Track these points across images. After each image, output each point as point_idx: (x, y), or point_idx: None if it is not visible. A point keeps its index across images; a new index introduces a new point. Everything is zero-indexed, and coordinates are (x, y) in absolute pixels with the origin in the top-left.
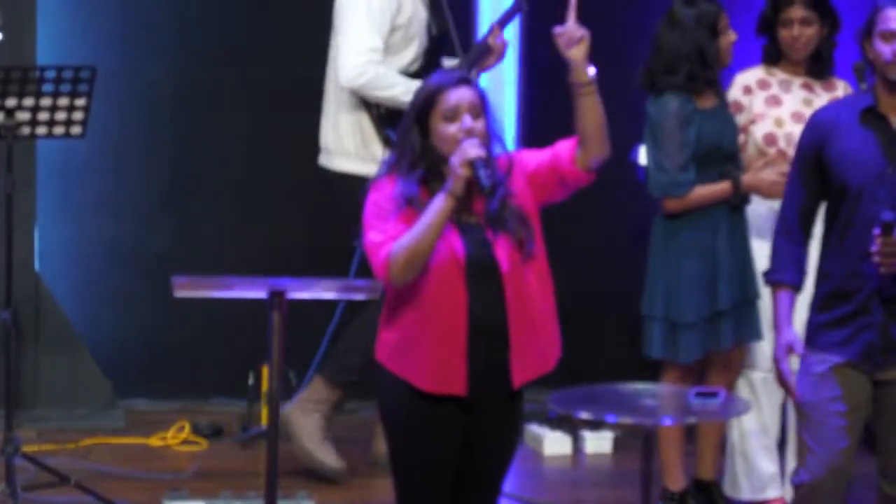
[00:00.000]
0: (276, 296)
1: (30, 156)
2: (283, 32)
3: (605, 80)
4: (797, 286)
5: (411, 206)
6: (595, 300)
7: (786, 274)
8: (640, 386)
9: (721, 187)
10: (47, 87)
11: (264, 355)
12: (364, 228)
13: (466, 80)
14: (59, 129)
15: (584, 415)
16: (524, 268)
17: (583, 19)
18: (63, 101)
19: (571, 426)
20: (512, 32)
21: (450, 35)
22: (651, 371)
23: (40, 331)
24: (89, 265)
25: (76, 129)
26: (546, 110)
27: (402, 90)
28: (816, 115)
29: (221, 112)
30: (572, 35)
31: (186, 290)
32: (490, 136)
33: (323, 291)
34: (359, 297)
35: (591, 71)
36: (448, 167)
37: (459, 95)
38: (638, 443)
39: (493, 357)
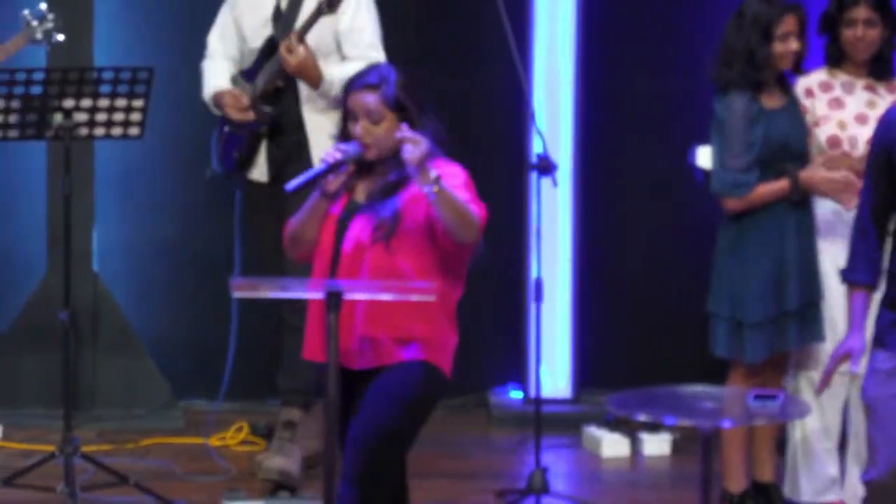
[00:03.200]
0: (333, 297)
1: (88, 157)
2: None
3: (666, 79)
4: (872, 286)
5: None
6: (660, 300)
7: (860, 274)
8: (699, 388)
9: (780, 185)
10: (105, 88)
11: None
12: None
13: (373, 86)
14: (116, 130)
15: (643, 417)
16: (375, 252)
17: (650, 18)
18: (121, 102)
19: (629, 428)
20: (568, 33)
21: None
22: (718, 372)
23: (99, 331)
24: (148, 265)
25: (134, 130)
26: (603, 109)
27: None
28: (888, 114)
29: None
30: (413, 146)
31: (244, 291)
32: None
33: (380, 293)
34: (415, 297)
35: (433, 172)
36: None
37: (358, 101)
38: (696, 445)
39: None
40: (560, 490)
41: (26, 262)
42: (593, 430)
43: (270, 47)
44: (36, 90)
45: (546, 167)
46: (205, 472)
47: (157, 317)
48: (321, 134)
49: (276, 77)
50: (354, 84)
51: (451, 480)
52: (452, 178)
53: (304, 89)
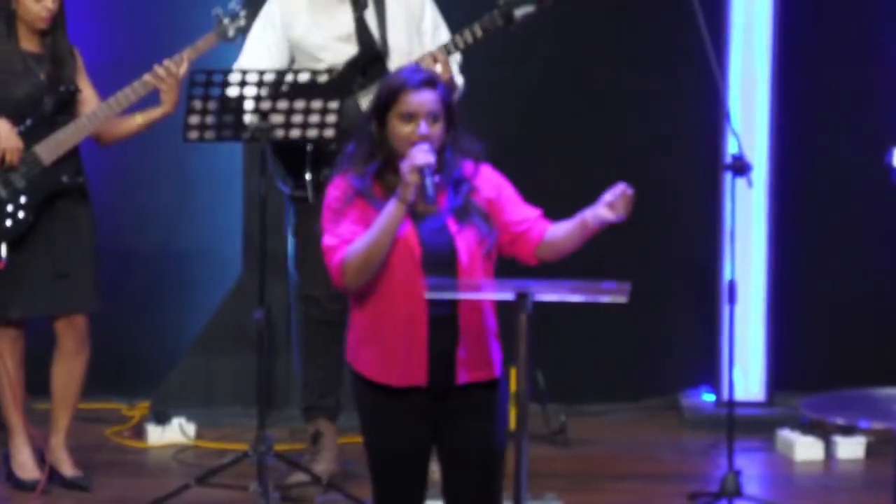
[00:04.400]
0: (523, 297)
1: None
2: None
3: (867, 76)
4: None
5: (363, 199)
6: (856, 302)
7: None
8: (895, 390)
9: None
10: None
11: (510, 357)
12: (323, 229)
13: (432, 83)
14: (312, 132)
15: (837, 420)
16: (481, 265)
17: (850, 12)
18: (316, 104)
19: (823, 431)
20: (765, 30)
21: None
22: None
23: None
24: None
25: (329, 132)
26: (801, 108)
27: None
28: None
29: None
30: (615, 210)
31: (436, 292)
32: (448, 142)
33: (571, 293)
34: (605, 299)
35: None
36: (400, 166)
37: (420, 100)
38: (892, 448)
39: (444, 348)
40: (753, 493)
41: (222, 261)
42: (787, 434)
43: (363, 62)
44: (233, 91)
45: (741, 167)
46: None
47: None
48: None
49: None
50: (409, 82)
51: (643, 483)
52: (503, 189)
53: None
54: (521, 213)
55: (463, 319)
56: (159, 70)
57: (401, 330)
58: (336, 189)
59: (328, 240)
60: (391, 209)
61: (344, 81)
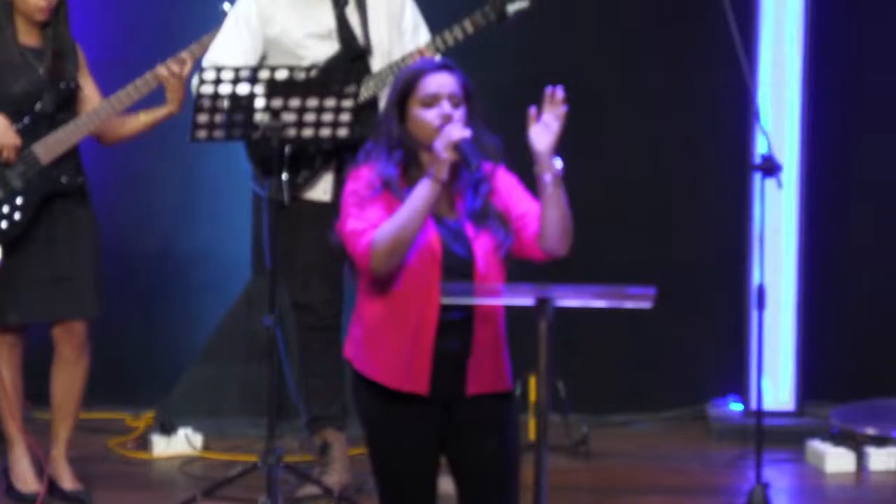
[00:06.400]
0: (544, 303)
1: None
2: None
3: (888, 81)
4: None
5: (389, 190)
6: (890, 310)
7: None
8: None
9: None
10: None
11: (530, 364)
12: (342, 217)
13: (449, 67)
14: (325, 131)
15: (869, 430)
16: (497, 271)
17: (883, 8)
18: (329, 102)
19: (855, 442)
20: (796, 27)
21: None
22: None
23: None
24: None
25: (343, 131)
26: (833, 106)
27: None
28: None
29: None
30: (546, 126)
31: (453, 297)
32: (471, 129)
33: (592, 298)
34: (630, 304)
35: (558, 164)
36: (426, 154)
37: (440, 82)
38: None
39: (454, 358)
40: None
41: (230, 265)
42: (817, 444)
43: (345, 60)
44: (243, 89)
45: (771, 168)
46: None
47: None
48: None
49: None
50: (427, 66)
51: (668, 496)
52: (514, 188)
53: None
54: (523, 207)
55: (477, 327)
56: (161, 70)
57: (410, 333)
58: (361, 177)
59: (354, 224)
60: (425, 189)
61: (326, 79)
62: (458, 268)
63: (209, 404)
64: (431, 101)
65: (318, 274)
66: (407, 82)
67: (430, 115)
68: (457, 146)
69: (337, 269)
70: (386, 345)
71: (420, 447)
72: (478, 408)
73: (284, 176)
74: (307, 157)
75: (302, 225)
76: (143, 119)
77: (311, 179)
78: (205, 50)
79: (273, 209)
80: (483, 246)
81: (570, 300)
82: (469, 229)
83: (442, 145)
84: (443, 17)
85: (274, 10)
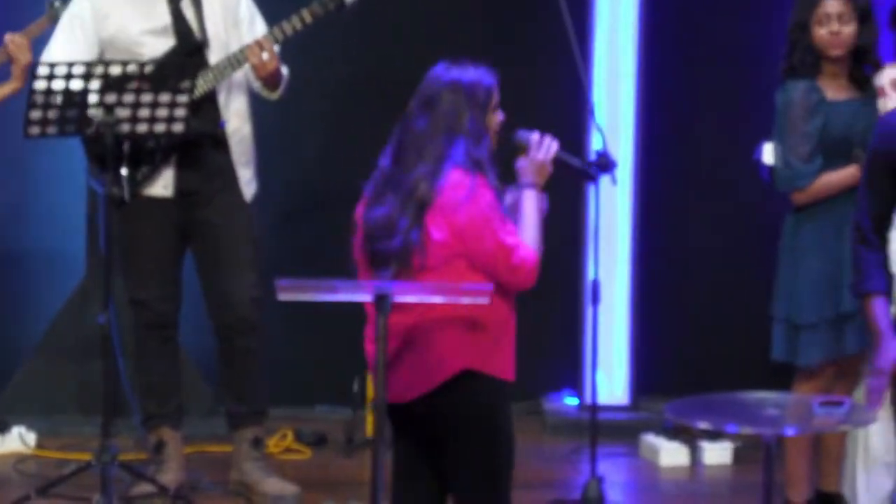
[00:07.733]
0: (382, 299)
1: None
2: None
3: (733, 73)
4: (888, 292)
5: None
6: (723, 304)
7: (875, 281)
8: (762, 394)
9: (848, 172)
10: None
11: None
12: (492, 228)
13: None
14: (160, 126)
15: (703, 424)
16: None
17: (715, 8)
18: (164, 98)
19: (689, 436)
20: (630, 23)
21: None
22: (783, 378)
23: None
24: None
25: (178, 127)
26: (666, 104)
27: None
28: (886, 120)
29: None
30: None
31: (290, 293)
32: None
33: (430, 294)
34: (467, 300)
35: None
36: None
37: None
38: (759, 454)
39: None
40: (616, 500)
41: (66, 263)
42: (651, 439)
43: (181, 53)
44: (76, 85)
45: (605, 164)
46: None
47: (199, 323)
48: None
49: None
50: (486, 74)
51: None
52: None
53: (224, 101)
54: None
55: None
56: (9, 43)
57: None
58: (490, 190)
59: (508, 238)
60: (535, 202)
61: (160, 74)
62: None
63: (43, 402)
64: (496, 108)
65: (156, 271)
66: (489, 91)
67: (492, 120)
68: (558, 158)
69: (176, 266)
70: (511, 343)
71: None
72: None
73: (124, 171)
74: (147, 152)
75: (141, 221)
76: None
77: (151, 175)
78: (31, 37)
79: (110, 205)
80: None
81: (409, 296)
82: None
83: (546, 158)
84: (279, 8)
85: (109, 8)
